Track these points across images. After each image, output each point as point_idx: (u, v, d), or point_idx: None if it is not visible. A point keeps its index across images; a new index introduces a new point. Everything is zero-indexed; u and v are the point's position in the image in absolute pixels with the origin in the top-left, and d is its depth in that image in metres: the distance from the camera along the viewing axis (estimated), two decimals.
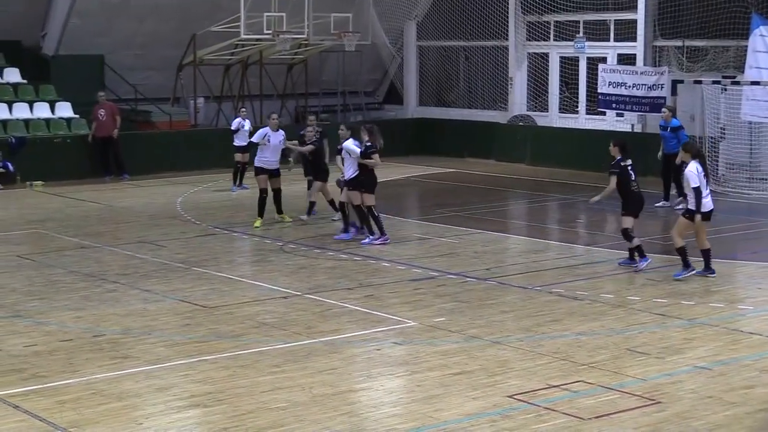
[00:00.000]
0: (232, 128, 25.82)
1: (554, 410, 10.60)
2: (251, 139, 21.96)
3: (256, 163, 21.28)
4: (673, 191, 23.11)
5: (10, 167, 26.99)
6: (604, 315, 14.35)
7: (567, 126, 31.99)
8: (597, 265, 17.60)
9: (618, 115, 30.31)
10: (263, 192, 21.08)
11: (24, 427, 10.23)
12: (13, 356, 12.59)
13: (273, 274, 16.99)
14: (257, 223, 21.04)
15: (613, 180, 17.01)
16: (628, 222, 17.09)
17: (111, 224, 21.44)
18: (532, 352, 12.65)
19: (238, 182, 26.19)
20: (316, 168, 21.49)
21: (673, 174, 22.60)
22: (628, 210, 17.14)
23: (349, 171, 19.26)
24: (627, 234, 17.14)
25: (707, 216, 16.44)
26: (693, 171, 16.10)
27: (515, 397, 11.01)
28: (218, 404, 10.86)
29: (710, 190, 16.69)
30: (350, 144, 19.30)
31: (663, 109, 24.20)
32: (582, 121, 32.04)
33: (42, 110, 30.06)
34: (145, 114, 31.91)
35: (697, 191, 16.06)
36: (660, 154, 23.59)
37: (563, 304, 14.94)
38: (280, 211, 21.54)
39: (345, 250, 18.78)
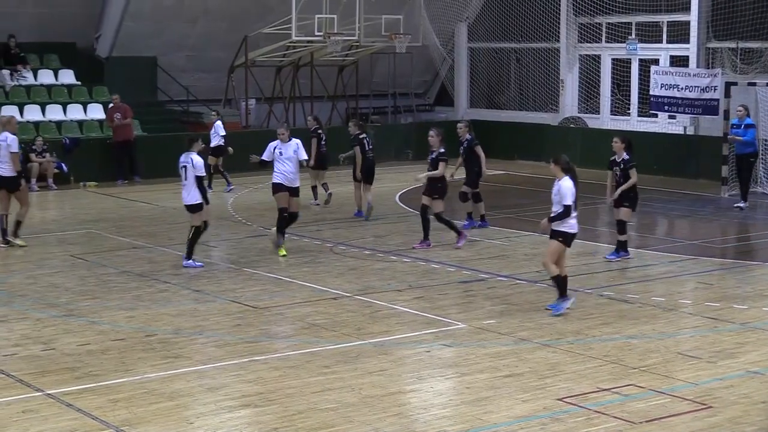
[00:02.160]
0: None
1: (604, 414, 10.57)
2: (263, 157, 19.01)
3: (274, 179, 18.71)
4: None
5: (64, 168, 27.30)
6: (655, 318, 14.28)
7: (619, 128, 31.80)
8: (648, 268, 17.52)
9: (670, 117, 30.14)
10: (283, 211, 18.64)
11: (77, 425, 10.32)
12: (66, 355, 12.72)
13: (323, 276, 17.04)
14: (282, 252, 18.68)
15: (634, 173, 17.77)
16: (629, 215, 17.89)
17: (163, 225, 21.59)
18: (582, 355, 12.62)
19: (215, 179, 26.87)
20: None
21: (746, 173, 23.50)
22: (632, 205, 17.89)
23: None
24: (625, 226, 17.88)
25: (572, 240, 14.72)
26: (570, 187, 14.27)
27: (565, 400, 10.99)
28: (269, 404, 10.92)
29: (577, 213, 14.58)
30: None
31: (738, 107, 24.03)
32: (634, 123, 31.87)
33: (95, 112, 30.36)
34: (196, 115, 32.10)
35: (568, 210, 14.24)
36: (734, 152, 24.06)
37: (613, 307, 14.89)
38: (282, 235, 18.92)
39: (395, 252, 18.81)
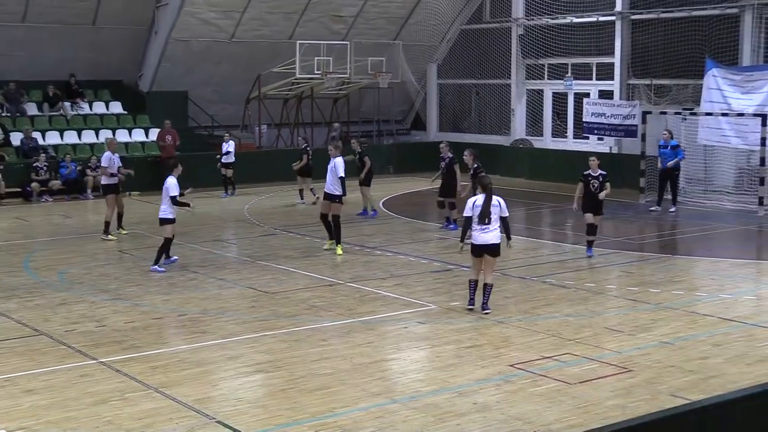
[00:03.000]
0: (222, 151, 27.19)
1: (547, 376, 10.58)
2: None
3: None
4: (668, 196, 23.86)
5: None
6: (587, 300, 14.30)
7: (558, 148, 31.89)
8: (581, 260, 17.53)
9: (599, 139, 30.16)
10: (322, 216, 18.57)
11: (124, 386, 10.31)
12: (115, 330, 12.68)
13: (321, 267, 16.99)
14: (339, 251, 18.15)
15: (609, 185, 17.58)
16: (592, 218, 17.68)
17: (193, 226, 21.51)
18: (529, 330, 12.63)
19: (229, 190, 27.23)
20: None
21: (670, 183, 23.62)
22: (601, 211, 17.75)
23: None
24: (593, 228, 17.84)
25: (480, 251, 13.32)
26: (469, 205, 13.28)
27: (515, 366, 10.99)
28: (277, 370, 10.90)
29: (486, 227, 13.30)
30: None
31: (664, 131, 24.15)
32: (570, 144, 31.92)
33: (138, 135, 30.36)
34: (219, 138, 31.88)
35: (469, 221, 13.30)
36: (659, 167, 24.04)
37: (554, 292, 14.89)
38: (331, 237, 18.52)
39: (379, 248, 18.77)
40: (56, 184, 26.51)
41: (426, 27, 35.15)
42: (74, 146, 29.00)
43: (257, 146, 32.56)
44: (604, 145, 30.30)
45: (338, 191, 18.04)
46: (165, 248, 16.85)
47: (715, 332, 12.47)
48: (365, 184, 22.72)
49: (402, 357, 11.63)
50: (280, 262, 17.41)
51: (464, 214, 13.44)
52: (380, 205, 25.05)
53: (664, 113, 26.12)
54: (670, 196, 23.81)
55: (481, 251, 13.33)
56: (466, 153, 20.29)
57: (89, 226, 21.90)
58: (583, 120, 29.52)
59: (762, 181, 23.46)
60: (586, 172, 17.55)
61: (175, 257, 17.18)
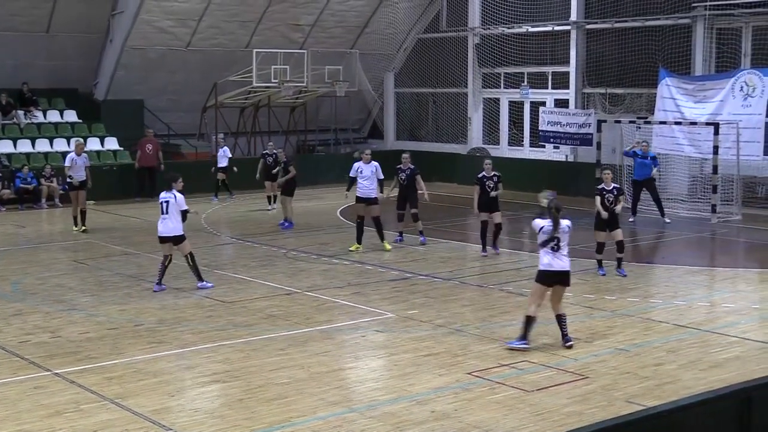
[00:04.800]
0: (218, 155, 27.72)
1: (504, 384, 10.62)
2: (349, 174, 19.52)
3: (357, 194, 19.23)
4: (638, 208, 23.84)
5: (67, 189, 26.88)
6: (544, 308, 14.31)
7: (514, 156, 32.08)
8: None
9: (555, 147, 30.41)
10: (358, 218, 19.30)
11: (79, 398, 10.20)
12: (70, 341, 12.55)
13: (278, 276, 16.95)
14: (353, 247, 19.17)
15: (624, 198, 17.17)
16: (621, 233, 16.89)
17: (149, 236, 21.25)
18: (486, 338, 12.67)
19: (220, 192, 27.85)
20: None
21: (652, 194, 23.38)
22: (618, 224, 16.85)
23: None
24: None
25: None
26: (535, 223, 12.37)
27: (473, 374, 11.02)
28: (235, 380, 10.84)
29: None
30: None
31: (643, 142, 23.67)
32: (526, 152, 32.13)
33: (94, 144, 30.02)
34: (175, 147, 31.88)
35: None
36: (633, 178, 23.82)
37: (512, 299, 14.96)
38: (381, 239, 19.27)
39: (336, 256, 18.76)
40: (6, 193, 26.18)
41: (383, 36, 35.25)
42: (28, 155, 28.68)
43: (213, 154, 32.29)
44: (560, 154, 30.54)
45: (375, 194, 19.05)
46: (195, 262, 15.91)
47: (670, 339, 12.60)
48: (287, 194, 22.58)
49: (360, 366, 11.62)
50: (237, 271, 17.34)
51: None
52: (337, 213, 25.05)
53: (619, 122, 26.38)
54: (656, 208, 23.43)
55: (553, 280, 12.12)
56: (404, 156, 20.42)
57: (43, 236, 21.67)
58: (540, 128, 29.75)
59: (714, 189, 23.75)
60: (600, 186, 16.83)
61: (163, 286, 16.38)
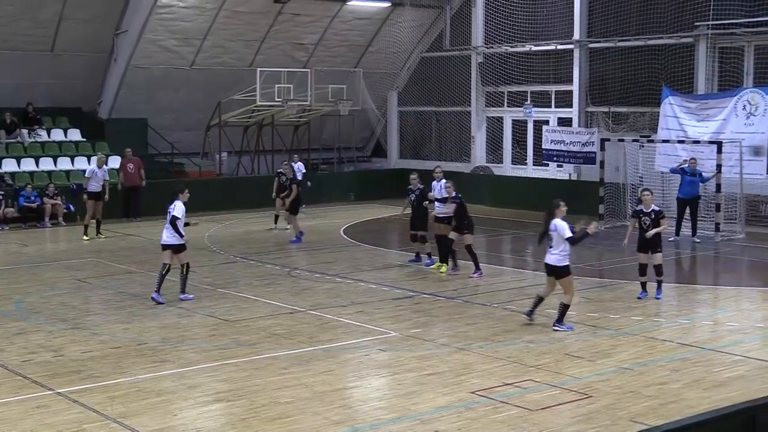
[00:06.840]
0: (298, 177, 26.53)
1: (508, 403, 10.60)
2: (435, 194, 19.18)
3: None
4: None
5: (71, 208, 26.97)
6: (548, 327, 14.35)
7: (518, 175, 32.11)
8: (542, 287, 17.55)
9: (558, 166, 30.43)
10: (438, 238, 19.08)
11: (81, 418, 10.17)
12: (73, 360, 12.54)
13: (282, 294, 16.95)
14: (443, 269, 18.94)
15: (665, 221, 16.53)
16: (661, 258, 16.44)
17: (152, 254, 21.33)
18: (490, 356, 12.65)
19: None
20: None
21: (691, 212, 23.27)
22: (661, 248, 16.42)
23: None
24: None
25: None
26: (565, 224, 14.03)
27: (477, 393, 11.00)
28: (238, 399, 10.83)
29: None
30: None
31: (691, 158, 23.51)
32: (530, 171, 32.15)
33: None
34: (179, 165, 31.91)
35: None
36: (678, 197, 23.60)
37: (515, 318, 14.94)
38: (443, 260, 19.08)
39: (339, 275, 18.75)
40: (10, 212, 26.21)
41: (386, 55, 35.37)
42: (32, 174, 28.74)
43: (217, 173, 32.46)
44: (564, 172, 30.55)
45: (443, 214, 18.77)
46: (186, 274, 16.31)
47: (674, 357, 12.57)
48: (292, 212, 23.41)
49: (363, 385, 11.59)
50: (241, 290, 17.33)
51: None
52: (341, 232, 25.05)
53: (622, 140, 26.41)
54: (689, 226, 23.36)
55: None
56: (413, 176, 19.86)
57: (47, 255, 21.69)
58: (543, 147, 29.78)
59: (718, 207, 23.75)
60: (638, 208, 16.33)
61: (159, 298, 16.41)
